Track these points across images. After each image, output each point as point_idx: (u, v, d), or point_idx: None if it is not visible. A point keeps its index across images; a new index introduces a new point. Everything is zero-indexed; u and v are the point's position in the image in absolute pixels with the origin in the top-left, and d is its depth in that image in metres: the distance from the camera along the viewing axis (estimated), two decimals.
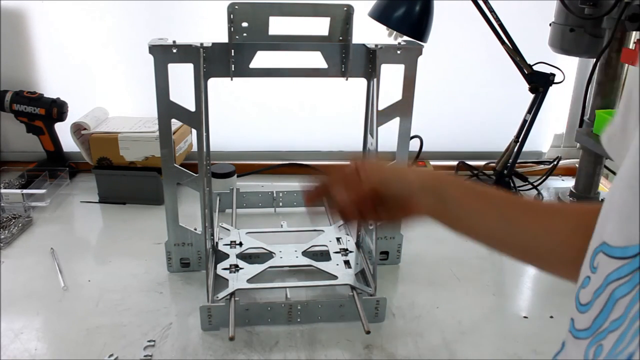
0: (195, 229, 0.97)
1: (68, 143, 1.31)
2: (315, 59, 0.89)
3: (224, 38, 0.86)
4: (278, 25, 0.87)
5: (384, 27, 1.08)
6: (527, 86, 1.21)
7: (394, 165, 0.63)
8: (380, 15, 1.07)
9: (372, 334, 0.82)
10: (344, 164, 0.64)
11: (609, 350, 0.33)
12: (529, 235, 0.53)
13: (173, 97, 0.86)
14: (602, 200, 0.55)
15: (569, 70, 1.38)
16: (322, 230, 1.08)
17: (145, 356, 0.79)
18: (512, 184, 1.29)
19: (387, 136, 0.94)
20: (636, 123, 0.37)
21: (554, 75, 1.19)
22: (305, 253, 0.99)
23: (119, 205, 1.24)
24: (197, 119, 0.88)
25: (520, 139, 1.26)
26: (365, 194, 0.60)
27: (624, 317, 0.33)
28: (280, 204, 1.24)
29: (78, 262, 1.02)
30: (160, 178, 1.05)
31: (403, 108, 0.92)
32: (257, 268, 0.94)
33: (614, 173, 1.40)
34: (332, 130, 1.45)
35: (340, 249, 1.01)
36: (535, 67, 1.20)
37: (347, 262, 0.97)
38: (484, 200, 0.56)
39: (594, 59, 1.12)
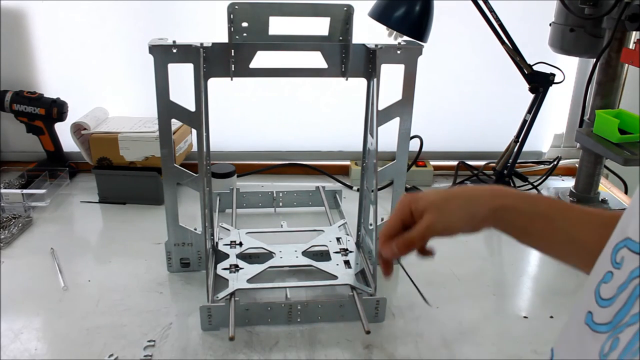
0: (195, 229, 0.97)
1: (68, 143, 1.31)
2: (315, 59, 0.89)
3: (224, 38, 0.86)
4: (278, 25, 0.87)
5: (384, 27, 1.08)
6: (527, 86, 1.21)
7: (453, 194, 0.60)
8: (380, 15, 1.07)
9: (372, 334, 0.82)
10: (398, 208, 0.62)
11: (626, 344, 0.33)
12: (590, 250, 0.52)
13: (173, 97, 0.86)
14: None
15: (569, 70, 1.38)
16: (322, 230, 1.08)
17: (145, 356, 0.79)
18: (512, 184, 1.29)
19: (387, 136, 0.94)
20: None
21: (554, 75, 1.19)
22: (305, 253, 0.99)
23: (119, 205, 1.24)
24: (197, 119, 0.88)
25: (520, 139, 1.26)
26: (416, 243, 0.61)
27: None
28: (280, 204, 1.24)
29: (78, 262, 1.02)
30: (160, 178, 1.05)
31: (403, 108, 0.92)
32: (257, 268, 0.94)
33: (614, 173, 1.40)
34: (332, 130, 1.45)
35: (340, 249, 1.01)
36: (535, 67, 1.20)
37: (347, 262, 0.97)
38: (550, 224, 0.56)
39: (594, 59, 1.12)
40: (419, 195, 0.61)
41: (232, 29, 0.85)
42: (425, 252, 0.64)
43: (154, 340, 0.82)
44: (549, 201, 0.60)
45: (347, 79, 0.91)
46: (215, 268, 0.93)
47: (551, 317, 0.90)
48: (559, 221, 0.56)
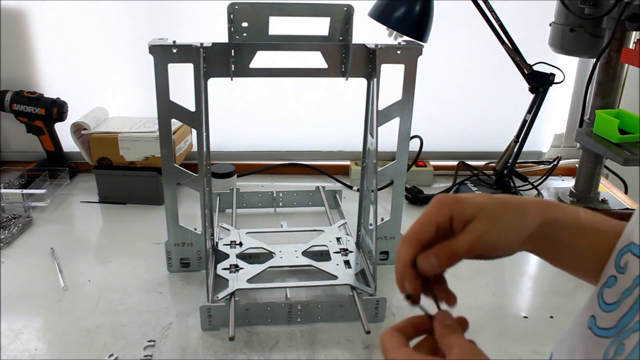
0: (195, 229, 0.97)
1: (68, 143, 1.31)
2: (315, 59, 0.89)
3: (224, 38, 0.86)
4: (278, 25, 0.87)
5: (384, 27, 1.08)
6: (527, 86, 1.21)
7: (507, 201, 0.48)
8: (380, 15, 1.07)
9: (372, 334, 0.81)
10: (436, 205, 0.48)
11: (631, 350, 0.33)
12: None
13: (173, 97, 0.86)
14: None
15: (569, 70, 1.38)
16: (322, 230, 1.08)
17: (145, 356, 0.79)
18: (512, 184, 1.29)
19: (387, 136, 0.94)
20: None
21: (554, 75, 1.19)
22: (305, 253, 0.99)
23: (119, 205, 1.24)
24: (197, 119, 0.88)
25: (520, 139, 1.26)
26: (456, 259, 0.47)
27: None
28: (280, 204, 1.24)
29: (78, 262, 1.02)
30: (160, 178, 1.05)
31: (403, 108, 0.92)
32: (257, 268, 0.94)
33: (614, 173, 1.40)
34: (332, 130, 1.45)
35: (340, 249, 1.01)
36: (535, 67, 1.20)
37: (347, 262, 0.97)
38: (595, 238, 0.48)
39: (594, 59, 1.12)
40: (462, 196, 0.48)
41: (232, 29, 0.85)
42: (448, 296, 0.51)
43: (154, 340, 0.82)
44: (592, 216, 0.51)
45: (347, 79, 0.91)
46: (215, 268, 0.93)
47: (551, 317, 0.90)
48: (603, 234, 0.47)
